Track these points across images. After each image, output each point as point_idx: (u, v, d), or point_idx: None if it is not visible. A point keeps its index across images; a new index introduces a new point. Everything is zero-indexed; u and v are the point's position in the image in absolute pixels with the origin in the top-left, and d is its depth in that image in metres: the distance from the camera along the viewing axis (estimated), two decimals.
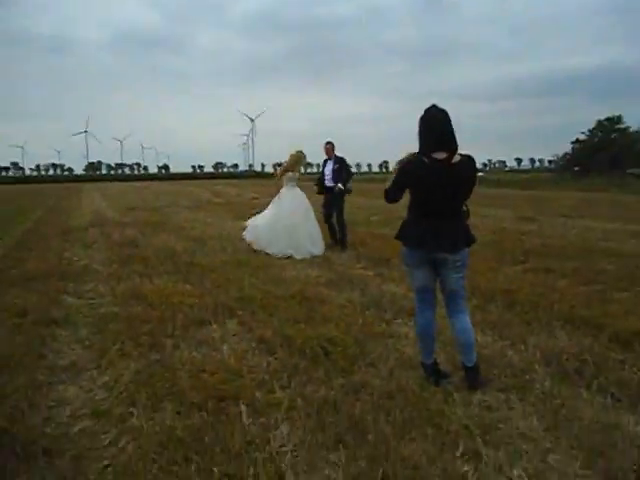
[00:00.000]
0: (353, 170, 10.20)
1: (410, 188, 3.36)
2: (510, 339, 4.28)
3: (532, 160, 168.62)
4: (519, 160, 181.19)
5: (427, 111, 3.30)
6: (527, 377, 3.54)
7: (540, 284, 6.00)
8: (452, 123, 3.26)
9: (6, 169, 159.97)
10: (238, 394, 3.28)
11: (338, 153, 8.97)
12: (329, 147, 8.93)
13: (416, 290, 3.57)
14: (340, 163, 8.87)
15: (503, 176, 61.16)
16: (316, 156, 9.04)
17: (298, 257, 8.05)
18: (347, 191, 8.85)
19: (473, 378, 3.42)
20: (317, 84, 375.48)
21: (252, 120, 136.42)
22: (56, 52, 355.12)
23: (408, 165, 3.32)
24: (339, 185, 8.71)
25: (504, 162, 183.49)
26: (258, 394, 3.29)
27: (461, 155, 3.26)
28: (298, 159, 8.76)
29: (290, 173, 8.66)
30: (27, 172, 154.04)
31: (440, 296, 3.55)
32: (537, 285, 5.92)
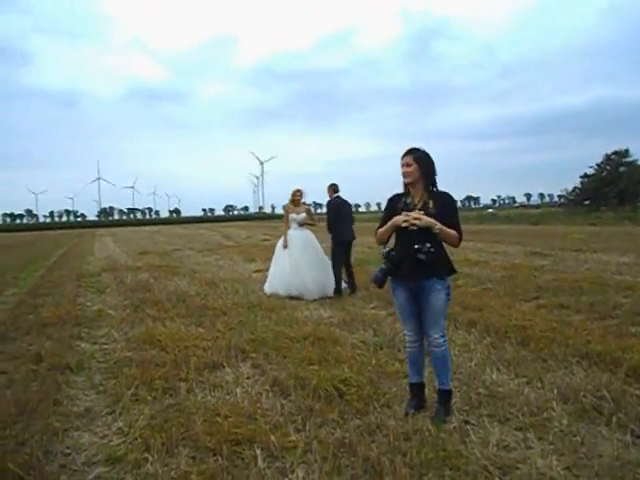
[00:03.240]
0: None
1: None
2: (526, 376, 4.24)
3: (542, 195, 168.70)
4: (529, 195, 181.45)
5: None
6: (545, 415, 3.49)
7: (554, 320, 5.95)
8: None
9: (20, 217, 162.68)
10: (253, 438, 3.26)
11: (342, 193, 8.66)
12: (329, 188, 8.69)
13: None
14: (328, 205, 8.73)
15: (513, 212, 61.28)
16: (324, 196, 8.93)
17: (309, 298, 8.06)
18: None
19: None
20: (320, 129, 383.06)
21: (261, 163, 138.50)
22: (69, 106, 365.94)
23: None
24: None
25: (513, 198, 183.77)
26: (273, 437, 3.26)
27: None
28: (291, 196, 8.67)
29: (293, 214, 8.63)
30: (41, 219, 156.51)
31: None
32: (551, 321, 5.87)
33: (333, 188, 8.65)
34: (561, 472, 2.81)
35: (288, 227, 8.72)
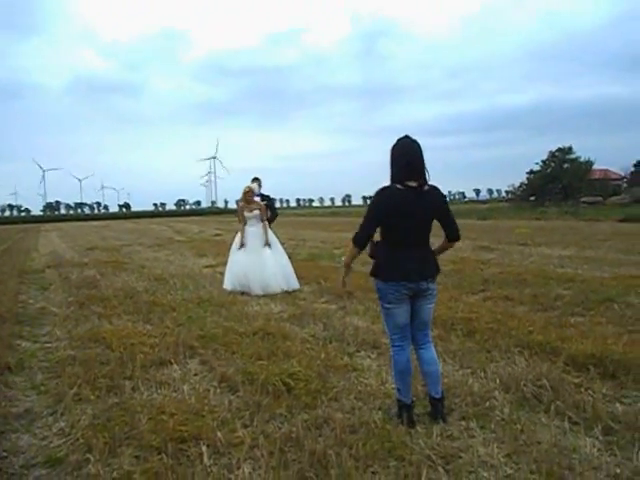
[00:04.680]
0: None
1: (384, 218, 3.28)
2: (471, 367, 4.34)
3: (490, 191, 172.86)
4: (477, 191, 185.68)
5: (399, 141, 3.34)
6: (487, 404, 3.58)
7: (499, 312, 6.11)
8: (422, 153, 3.30)
9: None
10: (199, 435, 3.22)
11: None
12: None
13: (396, 328, 3.41)
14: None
15: (462, 207, 62.59)
16: (277, 190, 9.10)
17: (269, 293, 8.00)
18: None
19: (441, 409, 3.40)
20: (272, 125, 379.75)
21: (214, 158, 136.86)
22: (11, 97, 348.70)
23: (382, 193, 3.30)
24: None
25: (463, 193, 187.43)
26: (220, 434, 3.22)
27: (429, 185, 3.31)
28: (243, 194, 8.57)
29: (245, 212, 8.52)
30: None
31: None
32: (496, 313, 6.03)
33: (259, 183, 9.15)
34: (502, 459, 2.89)
35: (244, 224, 8.61)
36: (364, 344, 5.08)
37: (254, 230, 8.51)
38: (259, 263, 8.24)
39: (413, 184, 3.24)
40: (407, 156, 3.28)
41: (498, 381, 3.95)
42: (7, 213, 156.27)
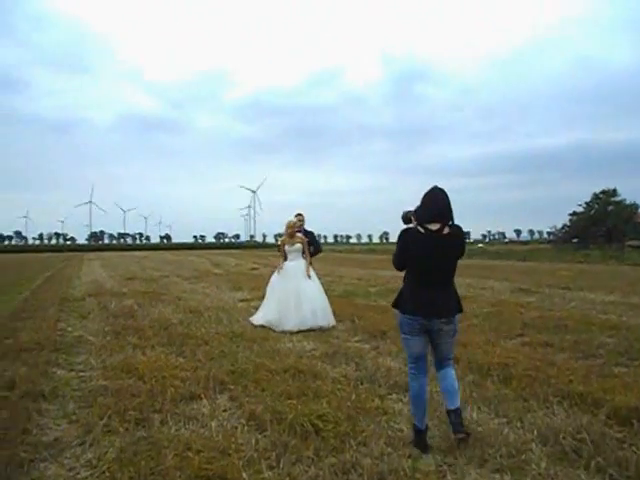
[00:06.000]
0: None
1: (406, 257, 3.67)
2: (506, 416, 4.18)
3: (531, 232, 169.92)
4: (518, 232, 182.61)
5: (430, 189, 3.67)
6: (523, 457, 3.43)
7: (538, 358, 5.90)
8: (450, 202, 3.63)
9: (9, 238, 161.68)
10: (224, 474, 3.17)
11: (307, 227, 9.33)
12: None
13: (411, 357, 3.76)
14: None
15: (502, 247, 61.63)
16: (314, 226, 9.22)
17: (302, 328, 7.93)
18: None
19: (454, 419, 3.59)
20: (309, 161, 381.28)
21: (254, 192, 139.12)
22: (63, 133, 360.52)
23: (405, 234, 3.68)
24: None
25: (503, 234, 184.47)
26: (245, 474, 3.18)
27: (451, 227, 3.61)
28: (286, 228, 8.64)
29: (287, 246, 8.62)
30: (30, 241, 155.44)
31: None
32: (535, 359, 5.82)
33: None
34: None
35: (284, 258, 8.73)
36: (396, 387, 4.96)
37: (294, 265, 8.56)
38: (296, 298, 8.22)
39: (434, 227, 3.56)
40: (433, 202, 3.61)
41: (535, 432, 3.79)
42: (54, 241, 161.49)
